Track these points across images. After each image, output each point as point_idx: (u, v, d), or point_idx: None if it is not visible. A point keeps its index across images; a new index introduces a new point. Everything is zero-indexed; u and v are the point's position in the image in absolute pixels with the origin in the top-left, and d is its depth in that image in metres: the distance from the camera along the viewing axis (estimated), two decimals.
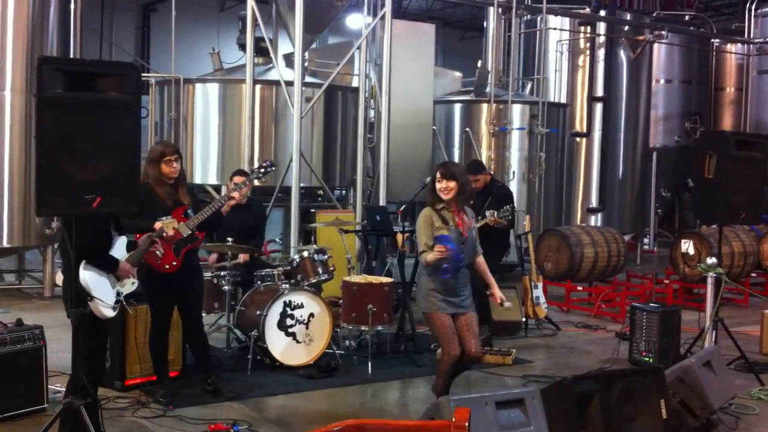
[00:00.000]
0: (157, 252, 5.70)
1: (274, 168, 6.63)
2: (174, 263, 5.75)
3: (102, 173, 4.29)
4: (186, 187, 5.95)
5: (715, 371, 5.84)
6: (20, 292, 10.14)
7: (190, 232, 5.75)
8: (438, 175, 5.58)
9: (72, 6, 10.07)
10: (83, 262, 4.62)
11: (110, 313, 4.77)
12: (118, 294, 4.89)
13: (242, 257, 7.38)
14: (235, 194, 6.02)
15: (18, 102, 9.37)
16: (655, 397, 5.13)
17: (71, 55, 9.99)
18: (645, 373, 5.32)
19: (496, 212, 7.53)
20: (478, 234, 5.79)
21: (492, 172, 9.86)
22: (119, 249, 4.96)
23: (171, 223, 5.48)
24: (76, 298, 4.47)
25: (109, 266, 4.79)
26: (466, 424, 1.96)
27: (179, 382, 6.22)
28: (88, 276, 4.63)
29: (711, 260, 6.99)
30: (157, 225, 5.53)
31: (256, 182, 6.37)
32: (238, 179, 7.22)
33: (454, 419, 2.02)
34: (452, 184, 5.52)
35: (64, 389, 5.08)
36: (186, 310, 6.02)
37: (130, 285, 5.01)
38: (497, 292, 5.83)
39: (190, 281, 5.93)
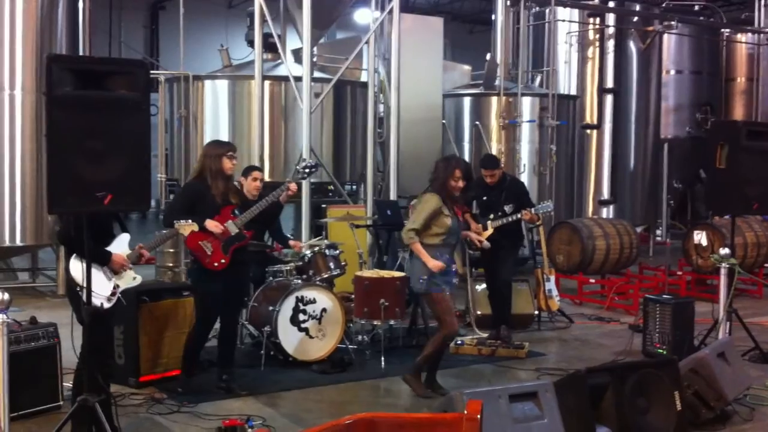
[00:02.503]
0: (206, 250, 5.79)
1: (316, 169, 6.75)
2: (223, 261, 5.87)
3: (112, 171, 4.32)
4: (234, 187, 6.08)
5: (729, 362, 5.82)
6: (34, 291, 10.19)
7: (237, 230, 5.88)
8: (459, 174, 5.96)
9: (80, 5, 10.10)
10: (74, 255, 4.71)
11: (104, 303, 4.85)
12: (115, 287, 4.93)
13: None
14: (293, 185, 6.12)
15: (28, 101, 9.41)
16: (669, 389, 5.11)
17: (80, 54, 10.02)
18: (659, 365, 5.31)
19: (532, 209, 7.56)
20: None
21: (502, 166, 9.84)
22: (121, 245, 5.02)
23: (189, 226, 5.51)
24: (89, 295, 4.50)
25: (98, 259, 4.82)
26: (479, 416, 1.96)
27: (194, 378, 6.23)
28: (78, 267, 4.68)
29: (724, 251, 6.96)
30: (176, 226, 5.56)
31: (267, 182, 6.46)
32: (257, 174, 7.26)
33: (466, 412, 2.02)
34: (465, 183, 6.02)
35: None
36: (228, 305, 6.11)
37: (130, 279, 5.08)
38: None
39: (238, 278, 6.09)
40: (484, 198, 7.89)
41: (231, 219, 5.88)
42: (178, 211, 5.79)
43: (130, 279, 5.10)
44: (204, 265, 5.87)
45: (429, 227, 5.97)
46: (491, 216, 7.70)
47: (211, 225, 5.79)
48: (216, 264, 5.85)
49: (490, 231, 7.64)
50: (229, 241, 5.88)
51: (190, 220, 5.56)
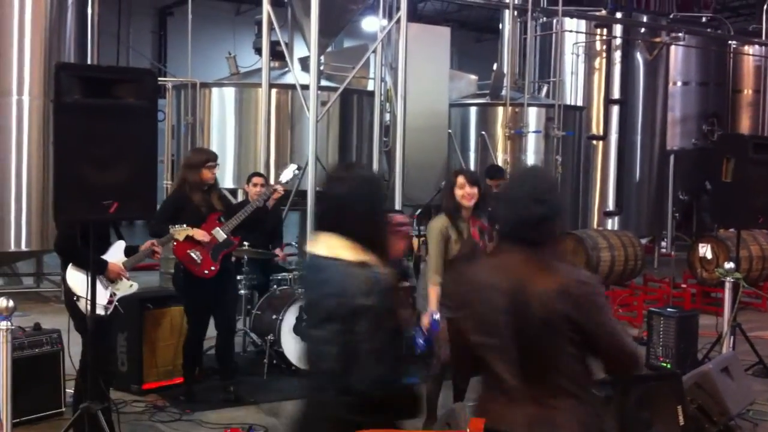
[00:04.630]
0: (196, 258, 5.77)
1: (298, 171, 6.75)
2: (213, 268, 5.86)
3: (119, 178, 4.32)
4: (219, 193, 6.08)
5: (733, 377, 5.80)
6: (38, 296, 10.19)
7: (225, 236, 5.84)
8: (462, 180, 5.30)
9: (89, 11, 10.14)
10: (70, 264, 4.72)
11: (101, 312, 4.85)
12: (112, 295, 4.94)
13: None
14: (279, 188, 6.12)
15: (36, 106, 9.43)
16: (672, 403, 5.10)
17: (89, 60, 10.06)
18: (662, 378, 5.30)
19: None
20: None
21: (508, 176, 9.83)
22: (116, 252, 5.02)
23: (184, 231, 5.54)
24: (93, 304, 4.50)
25: (95, 267, 4.81)
26: None
27: (198, 386, 6.23)
28: (74, 277, 4.69)
29: (729, 264, 6.94)
30: (171, 231, 5.58)
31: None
32: (257, 180, 7.37)
33: (468, 431, 2.02)
34: (476, 190, 5.31)
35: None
36: (221, 315, 6.10)
37: (126, 287, 5.08)
38: None
39: (226, 286, 6.06)
40: (489, 209, 7.88)
41: (217, 226, 5.87)
42: (163, 220, 5.69)
43: (127, 287, 5.10)
44: (195, 273, 5.85)
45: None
46: (496, 226, 7.69)
47: (199, 234, 5.77)
48: (206, 272, 5.85)
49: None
50: (218, 248, 5.87)
51: (184, 225, 5.58)
